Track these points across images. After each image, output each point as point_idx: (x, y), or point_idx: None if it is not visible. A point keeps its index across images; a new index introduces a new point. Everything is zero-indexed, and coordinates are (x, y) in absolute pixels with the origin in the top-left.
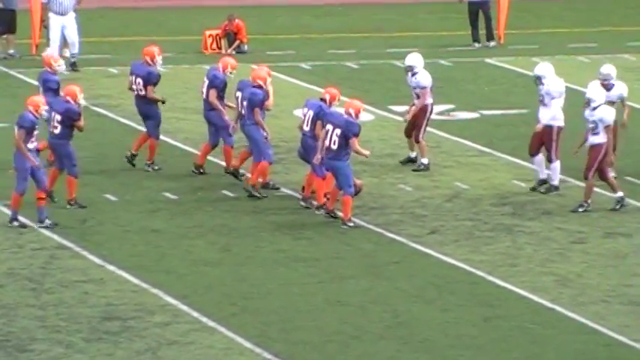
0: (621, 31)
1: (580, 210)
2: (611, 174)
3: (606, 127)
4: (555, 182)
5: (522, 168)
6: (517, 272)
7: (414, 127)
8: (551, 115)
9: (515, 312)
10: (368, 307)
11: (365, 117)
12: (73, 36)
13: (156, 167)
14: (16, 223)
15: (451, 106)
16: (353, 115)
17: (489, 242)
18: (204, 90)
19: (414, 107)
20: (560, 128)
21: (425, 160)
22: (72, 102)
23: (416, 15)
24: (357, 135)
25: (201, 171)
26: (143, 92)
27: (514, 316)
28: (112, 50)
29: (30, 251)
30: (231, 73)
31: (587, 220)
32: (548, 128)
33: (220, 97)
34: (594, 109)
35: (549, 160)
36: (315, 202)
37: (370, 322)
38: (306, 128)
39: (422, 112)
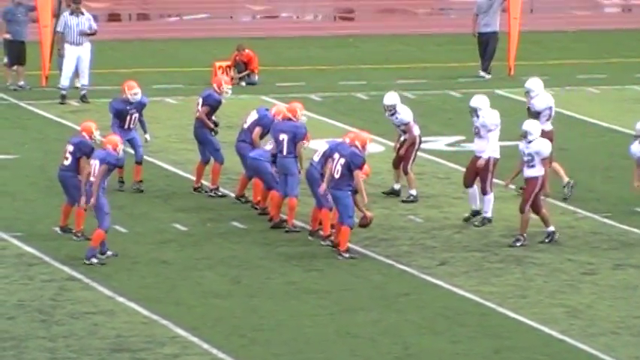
0: (630, 62)
1: (517, 244)
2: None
3: (542, 160)
4: (489, 214)
5: None
6: (527, 303)
7: (402, 158)
8: (487, 146)
9: (526, 343)
10: (378, 338)
11: (374, 148)
12: (85, 68)
13: (219, 193)
14: (104, 256)
15: (461, 138)
16: (359, 147)
17: (499, 274)
18: (249, 124)
19: (405, 142)
20: (496, 160)
21: (414, 192)
22: (87, 137)
23: (425, 47)
24: (359, 167)
25: (243, 201)
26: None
27: (524, 347)
28: (121, 82)
29: (40, 283)
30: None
31: (597, 251)
32: (485, 160)
33: (261, 137)
34: (530, 142)
35: (484, 193)
36: (321, 233)
37: (380, 353)
38: (316, 159)
39: (412, 145)
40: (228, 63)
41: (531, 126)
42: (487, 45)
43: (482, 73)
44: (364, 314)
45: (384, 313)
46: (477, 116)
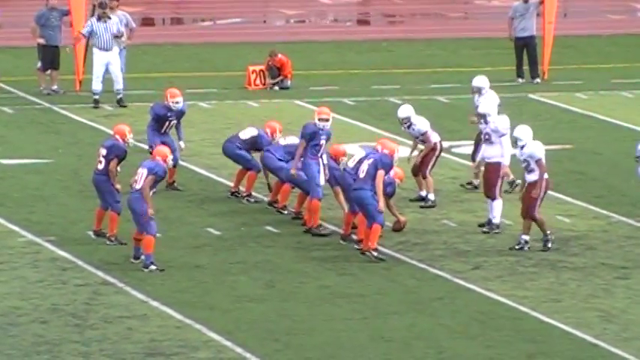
0: None
1: (548, 245)
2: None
3: (537, 162)
4: (497, 220)
5: (566, 204)
6: (561, 308)
7: (421, 165)
8: (500, 152)
9: (559, 348)
10: (412, 343)
11: (407, 153)
12: (117, 72)
13: (252, 200)
14: (137, 261)
15: None
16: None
17: (533, 278)
18: (288, 143)
19: (423, 149)
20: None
21: (432, 196)
22: (120, 140)
23: (459, 51)
24: (386, 169)
25: (275, 206)
26: (243, 149)
27: (558, 352)
28: (155, 86)
29: (74, 287)
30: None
31: (631, 255)
32: (496, 165)
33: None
34: (522, 147)
35: (493, 198)
36: (355, 237)
37: (414, 358)
38: (351, 165)
39: (432, 151)
40: (262, 67)
41: (521, 132)
42: (523, 50)
43: (536, 81)
44: (398, 318)
45: (417, 317)
46: (486, 122)
